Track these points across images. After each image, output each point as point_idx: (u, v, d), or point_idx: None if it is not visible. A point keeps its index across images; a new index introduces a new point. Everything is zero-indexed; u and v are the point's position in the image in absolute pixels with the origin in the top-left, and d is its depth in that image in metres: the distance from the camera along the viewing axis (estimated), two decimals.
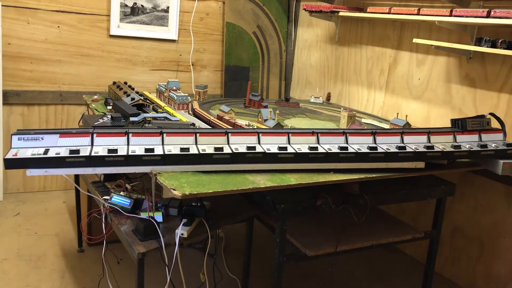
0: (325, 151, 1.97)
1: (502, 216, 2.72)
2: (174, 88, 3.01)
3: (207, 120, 2.58)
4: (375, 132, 2.12)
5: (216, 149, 1.88)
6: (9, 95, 3.68)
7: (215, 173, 1.85)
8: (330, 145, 2.03)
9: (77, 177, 2.89)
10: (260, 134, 2.01)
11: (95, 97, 3.18)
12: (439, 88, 3.07)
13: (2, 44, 3.57)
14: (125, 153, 1.77)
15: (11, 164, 1.69)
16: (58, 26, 3.75)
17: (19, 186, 3.89)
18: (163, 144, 1.88)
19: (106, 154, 1.76)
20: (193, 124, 2.26)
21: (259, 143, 1.98)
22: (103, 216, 2.07)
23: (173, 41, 4.19)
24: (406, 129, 2.31)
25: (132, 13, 3.98)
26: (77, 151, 1.74)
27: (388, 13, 3.05)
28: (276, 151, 1.93)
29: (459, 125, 2.27)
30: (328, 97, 3.98)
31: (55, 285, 2.66)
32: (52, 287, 2.64)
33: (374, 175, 2.01)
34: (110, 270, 2.58)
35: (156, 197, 1.99)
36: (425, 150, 2.07)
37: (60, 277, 2.75)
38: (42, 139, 1.79)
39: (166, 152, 1.81)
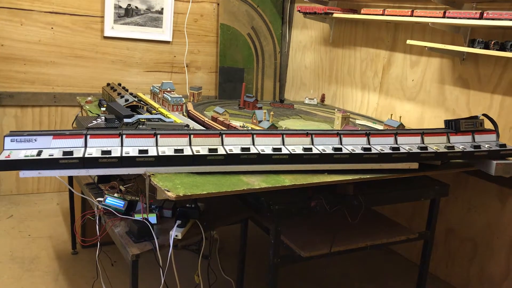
0: (319, 152, 1.97)
1: (496, 216, 2.73)
2: (168, 89, 3.00)
3: (201, 121, 2.58)
4: (369, 133, 2.13)
5: (210, 150, 1.87)
6: (3, 97, 3.66)
7: (209, 174, 1.85)
8: (324, 146, 2.03)
9: (70, 179, 2.87)
10: (255, 135, 2.01)
11: (89, 98, 3.17)
12: (432, 89, 3.08)
13: None
14: (119, 155, 1.77)
15: (3, 165, 1.69)
16: (52, 28, 3.73)
17: (12, 188, 3.87)
18: (157, 145, 1.87)
19: (100, 155, 1.75)
20: (187, 126, 2.26)
21: (253, 144, 1.98)
22: (97, 218, 2.07)
23: (167, 42, 4.19)
24: (400, 130, 2.32)
25: (126, 14, 3.97)
26: (71, 153, 1.74)
27: (382, 14, 3.06)
28: (271, 152, 1.93)
29: (453, 126, 2.28)
30: (323, 99, 3.98)
31: None
32: None
33: (368, 176, 2.02)
34: (104, 272, 2.56)
35: (150, 198, 1.98)
36: (419, 151, 2.08)
37: (54, 279, 2.73)
38: (35, 140, 1.79)
39: (160, 154, 1.81)
